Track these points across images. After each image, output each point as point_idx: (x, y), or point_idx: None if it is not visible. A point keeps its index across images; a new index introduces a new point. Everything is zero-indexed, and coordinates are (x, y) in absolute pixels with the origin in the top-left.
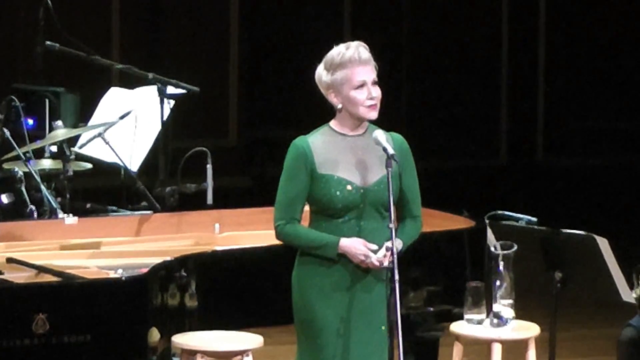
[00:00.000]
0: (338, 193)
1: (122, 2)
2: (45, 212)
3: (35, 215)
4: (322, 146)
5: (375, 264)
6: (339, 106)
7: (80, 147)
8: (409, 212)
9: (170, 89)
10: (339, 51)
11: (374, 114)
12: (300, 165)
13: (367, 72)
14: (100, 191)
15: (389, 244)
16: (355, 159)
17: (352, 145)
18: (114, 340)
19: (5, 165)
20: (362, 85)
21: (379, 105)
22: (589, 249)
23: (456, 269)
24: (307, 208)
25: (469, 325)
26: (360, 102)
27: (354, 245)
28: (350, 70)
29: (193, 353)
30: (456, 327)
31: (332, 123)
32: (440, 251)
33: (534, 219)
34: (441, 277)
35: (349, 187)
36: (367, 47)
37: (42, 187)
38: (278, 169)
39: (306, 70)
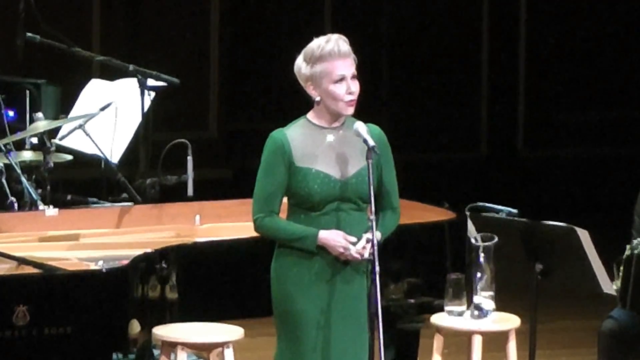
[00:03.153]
0: (316, 186)
1: None
2: (26, 204)
3: (16, 206)
4: (300, 139)
5: (355, 256)
6: (317, 99)
7: (61, 139)
8: (389, 203)
9: (151, 81)
10: (318, 44)
11: (350, 110)
12: (278, 158)
13: (347, 66)
14: (80, 183)
15: (368, 235)
16: (333, 152)
17: (330, 137)
18: (94, 332)
19: None
20: (341, 79)
21: (355, 101)
22: (569, 241)
23: (437, 260)
24: (285, 200)
25: (450, 317)
26: (339, 97)
27: (333, 238)
28: (330, 64)
29: (174, 345)
30: (437, 319)
31: (310, 115)
32: (421, 243)
33: (515, 211)
34: (422, 269)
35: (326, 181)
36: (346, 40)
37: (23, 179)
38: (258, 160)
39: (287, 63)
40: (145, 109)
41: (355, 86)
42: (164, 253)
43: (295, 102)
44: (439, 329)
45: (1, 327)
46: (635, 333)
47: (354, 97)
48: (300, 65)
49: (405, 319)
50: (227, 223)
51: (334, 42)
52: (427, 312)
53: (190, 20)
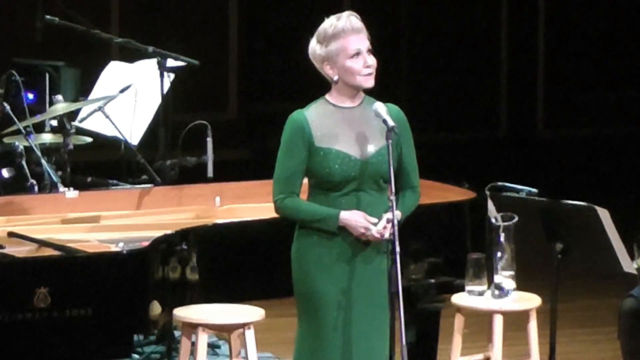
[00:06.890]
0: (337, 166)
1: None
2: (46, 186)
3: (36, 189)
4: (319, 119)
5: (376, 237)
6: (335, 78)
7: (81, 121)
8: (409, 183)
9: (170, 62)
10: (330, 23)
11: (370, 82)
12: (297, 139)
13: (361, 40)
14: (100, 165)
15: (389, 215)
16: (352, 131)
17: (349, 117)
18: (115, 313)
19: (6, 140)
20: (357, 53)
21: (374, 74)
22: (589, 220)
23: (457, 240)
24: (305, 181)
25: (470, 297)
26: (356, 71)
27: (354, 218)
28: (344, 40)
29: (194, 326)
30: (457, 298)
31: (328, 96)
32: (441, 223)
33: (535, 190)
34: (442, 249)
35: (347, 160)
36: (358, 16)
37: (43, 161)
38: (278, 141)
39: (306, 43)
40: (165, 90)
41: (371, 59)
42: (184, 234)
43: (315, 83)
44: (459, 309)
45: (22, 309)
46: None
47: (372, 70)
48: (315, 47)
49: (426, 299)
50: (247, 204)
51: (345, 19)
52: (448, 292)
53: (209, 1)
